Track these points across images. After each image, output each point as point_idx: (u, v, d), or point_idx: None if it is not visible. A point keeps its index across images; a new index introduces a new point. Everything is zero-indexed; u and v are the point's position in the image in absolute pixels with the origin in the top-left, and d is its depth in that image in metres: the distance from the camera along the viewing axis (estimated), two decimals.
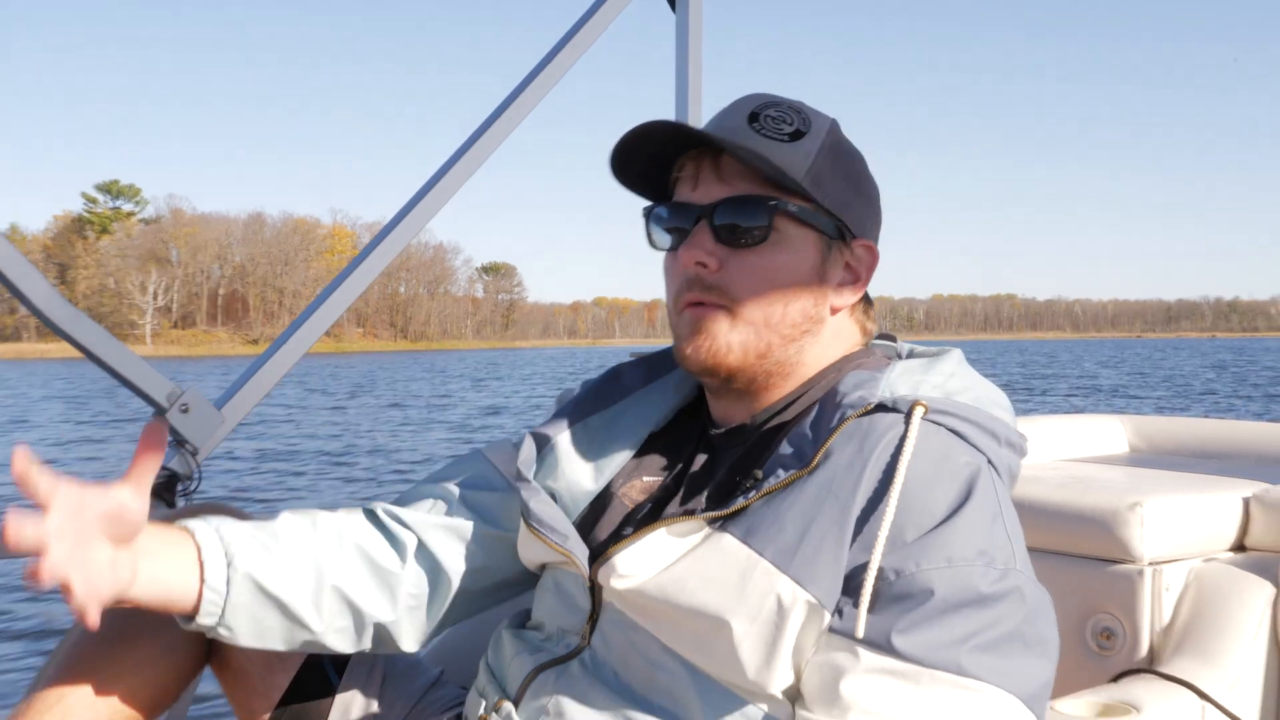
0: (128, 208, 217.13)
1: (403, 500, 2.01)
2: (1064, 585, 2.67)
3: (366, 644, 1.91)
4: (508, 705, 1.76)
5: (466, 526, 1.95)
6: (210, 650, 2.01)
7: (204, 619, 1.74)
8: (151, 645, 1.91)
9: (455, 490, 1.98)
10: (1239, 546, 2.84)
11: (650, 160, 1.76)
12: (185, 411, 2.46)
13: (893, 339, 1.89)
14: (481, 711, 1.80)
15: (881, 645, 1.49)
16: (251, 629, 1.80)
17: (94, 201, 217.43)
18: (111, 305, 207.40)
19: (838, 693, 1.49)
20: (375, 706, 2.08)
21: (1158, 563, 2.69)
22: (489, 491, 1.98)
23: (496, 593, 2.03)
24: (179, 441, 2.50)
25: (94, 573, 1.53)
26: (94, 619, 1.52)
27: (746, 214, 1.67)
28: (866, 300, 1.85)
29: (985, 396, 1.71)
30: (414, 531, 1.94)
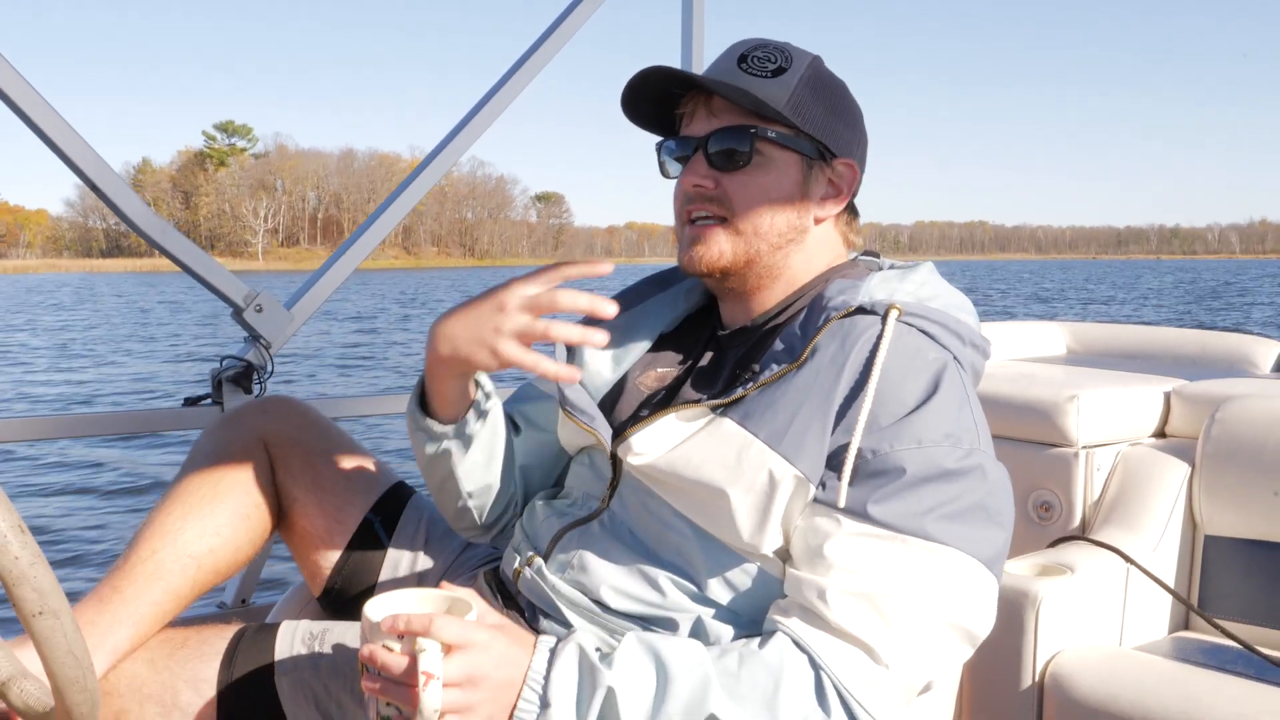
0: (241, 144, 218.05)
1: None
2: (1009, 465, 2.58)
3: (470, 521, 1.91)
4: (538, 560, 1.73)
5: (526, 433, 1.94)
6: (279, 518, 1.98)
7: (477, 410, 1.77)
8: (227, 513, 1.88)
9: (520, 414, 1.96)
10: (1160, 433, 2.82)
11: (657, 102, 1.73)
12: (260, 311, 2.42)
13: (875, 255, 1.84)
14: (516, 565, 1.77)
15: (859, 513, 1.47)
16: (485, 448, 1.82)
17: (213, 139, 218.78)
18: (229, 227, 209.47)
19: (821, 553, 1.46)
20: (419, 562, 2.03)
21: (1090, 446, 2.67)
22: (542, 401, 1.95)
23: (543, 488, 1.99)
24: (254, 337, 2.47)
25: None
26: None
27: (733, 141, 1.64)
28: (852, 212, 1.79)
29: (953, 303, 1.66)
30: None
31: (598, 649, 1.46)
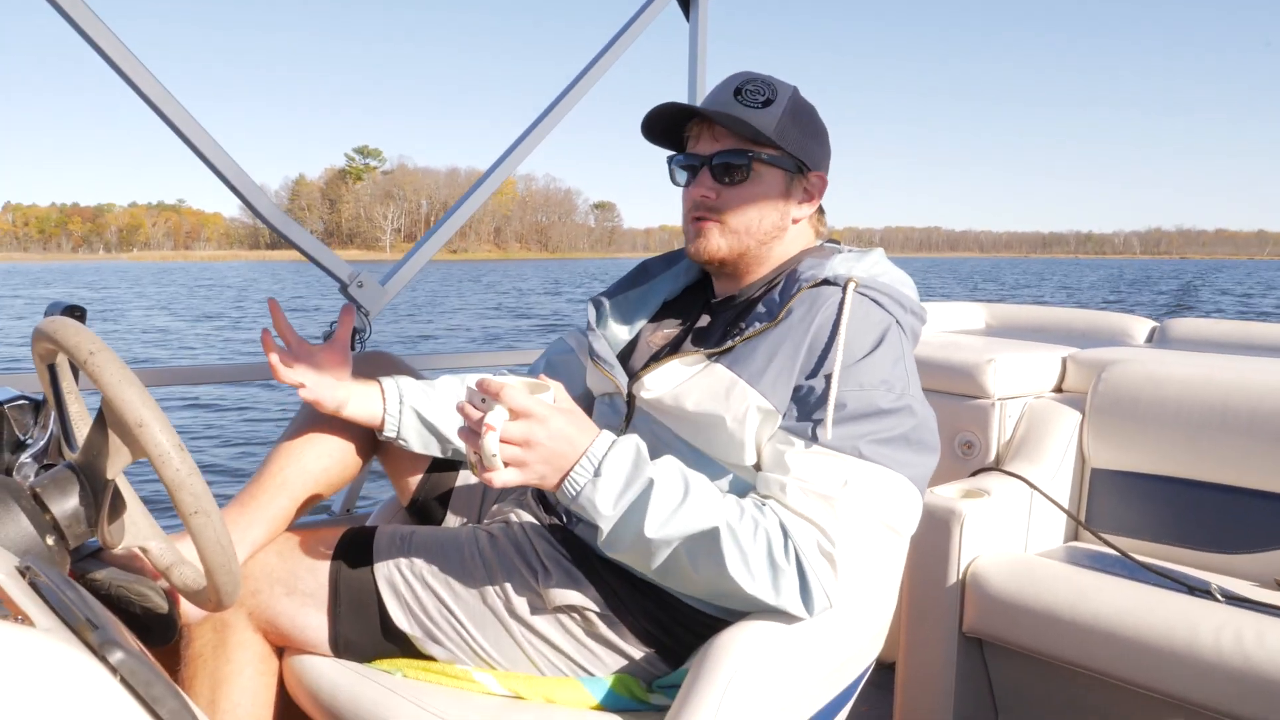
0: (373, 164, 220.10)
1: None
2: (941, 412, 2.64)
3: None
4: None
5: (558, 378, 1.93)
6: (377, 444, 1.96)
7: (388, 431, 1.83)
8: (338, 439, 1.87)
9: (545, 361, 2.02)
10: (1058, 389, 2.80)
11: (668, 127, 1.73)
12: (361, 287, 2.41)
13: (837, 243, 1.83)
14: None
15: (811, 436, 1.48)
16: (418, 441, 1.86)
17: (352, 159, 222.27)
18: (364, 228, 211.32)
19: (783, 462, 1.48)
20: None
21: (1003, 398, 2.66)
22: (565, 354, 2.00)
23: None
24: (357, 306, 2.43)
25: (315, 383, 1.74)
26: (316, 408, 1.76)
27: (733, 162, 1.64)
28: (820, 211, 1.80)
29: (898, 279, 1.67)
30: None
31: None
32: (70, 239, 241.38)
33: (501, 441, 1.34)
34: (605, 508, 1.39)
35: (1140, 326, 3.20)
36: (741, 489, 1.58)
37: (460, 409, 1.38)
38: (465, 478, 2.01)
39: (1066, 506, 2.55)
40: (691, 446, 1.60)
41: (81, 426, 1.36)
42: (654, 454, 1.58)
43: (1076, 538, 2.62)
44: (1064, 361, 2.78)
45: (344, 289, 2.39)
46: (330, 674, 1.61)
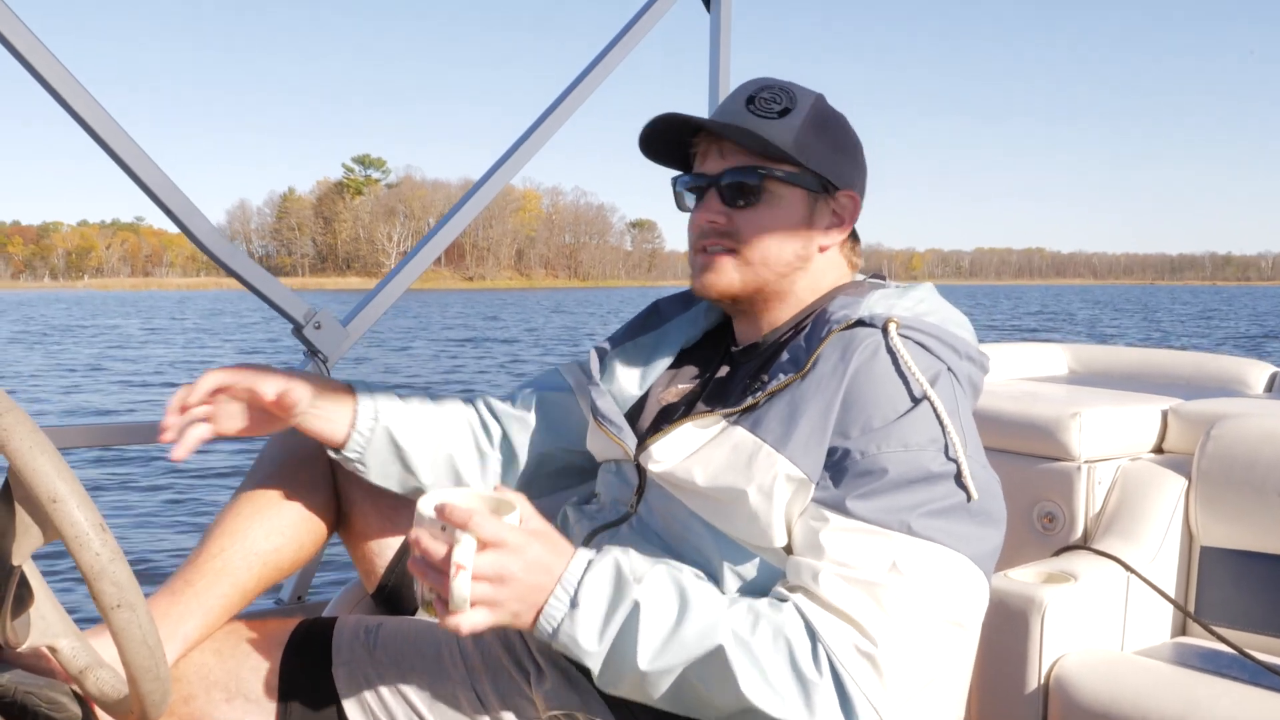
0: (376, 175, 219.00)
1: (502, 398, 1.95)
2: (1016, 478, 2.58)
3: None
4: None
5: (539, 422, 1.92)
6: (338, 520, 1.94)
7: (349, 451, 1.78)
8: (291, 515, 1.83)
9: (535, 395, 1.93)
10: (1158, 449, 2.69)
11: (672, 142, 1.69)
12: (318, 328, 2.34)
13: (881, 277, 1.77)
14: None
15: (849, 510, 1.42)
16: (379, 469, 1.82)
17: (351, 170, 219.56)
18: (364, 250, 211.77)
19: (816, 543, 1.43)
20: None
21: (1092, 461, 2.56)
22: (558, 392, 1.93)
23: (555, 479, 1.95)
24: (312, 352, 2.38)
25: (253, 377, 1.71)
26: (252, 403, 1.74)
27: (743, 180, 1.59)
28: (854, 238, 1.74)
29: (949, 318, 1.59)
30: (502, 423, 1.91)
31: (631, 568, 1.42)
32: (9, 264, 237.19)
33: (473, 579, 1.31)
34: (589, 643, 1.36)
35: (1258, 372, 3.10)
36: (771, 579, 1.51)
37: (415, 542, 1.33)
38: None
39: (1171, 594, 2.45)
40: (711, 527, 1.54)
41: None
42: (672, 537, 1.60)
43: (1184, 632, 2.52)
44: (1164, 415, 2.68)
45: (297, 331, 2.31)
46: None
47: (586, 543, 1.68)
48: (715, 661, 1.35)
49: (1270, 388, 3.07)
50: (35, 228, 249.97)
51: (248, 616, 1.82)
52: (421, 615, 1.60)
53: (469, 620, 1.31)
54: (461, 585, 1.29)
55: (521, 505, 1.38)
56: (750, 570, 1.53)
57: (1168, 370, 3.28)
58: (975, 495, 1.44)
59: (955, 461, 1.44)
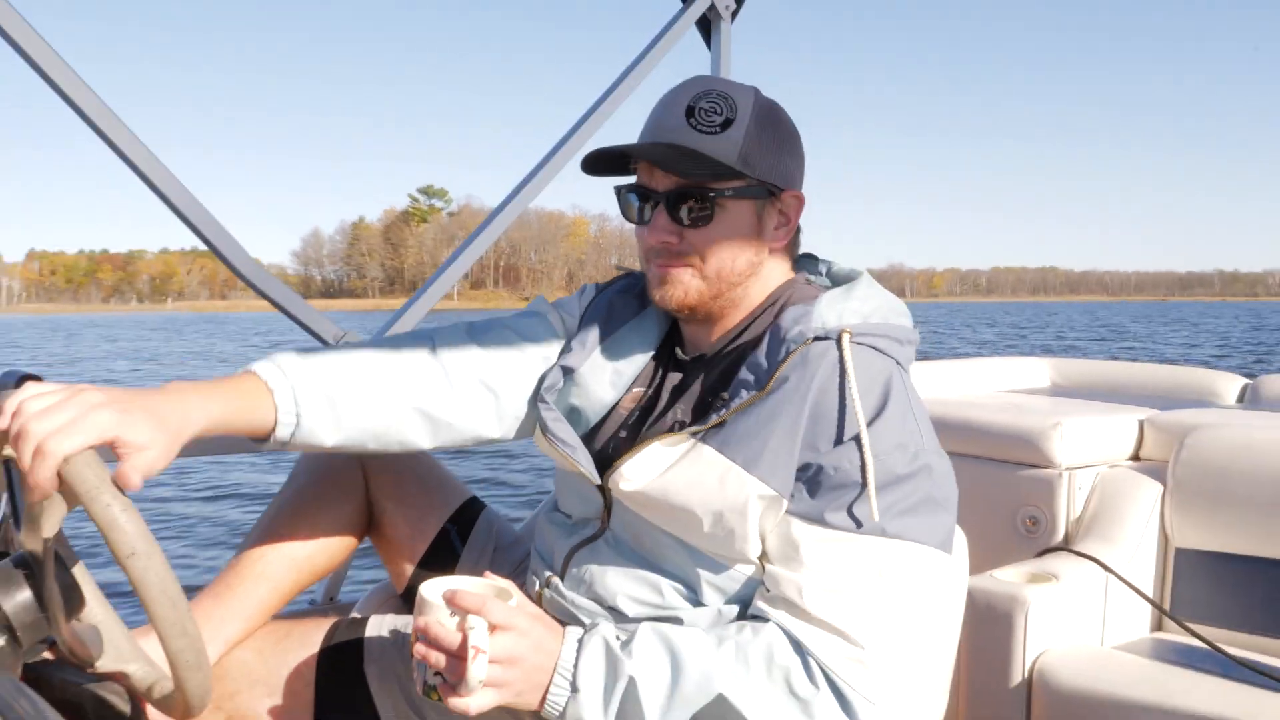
0: (438, 204, 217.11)
1: (470, 329, 1.67)
2: (1000, 484, 2.54)
3: (442, 439, 1.59)
4: (555, 579, 1.60)
5: (507, 361, 1.62)
6: (369, 526, 1.87)
7: (280, 432, 1.42)
8: (326, 521, 1.76)
9: (508, 331, 1.66)
10: (1135, 457, 2.63)
11: (613, 156, 1.50)
12: None
13: (814, 257, 1.65)
14: (537, 587, 1.64)
15: (825, 521, 1.36)
16: (331, 430, 1.47)
17: (416, 200, 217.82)
18: (430, 273, 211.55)
19: (796, 556, 1.36)
20: (485, 568, 1.84)
21: (1072, 468, 2.50)
22: (540, 329, 1.67)
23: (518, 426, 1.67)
24: None
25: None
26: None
27: (693, 202, 1.45)
28: (795, 231, 1.60)
29: (890, 309, 1.50)
30: (469, 362, 1.60)
31: (618, 636, 1.36)
32: (100, 288, 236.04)
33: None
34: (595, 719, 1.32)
35: (1230, 384, 3.03)
36: (749, 587, 1.45)
37: (423, 629, 1.27)
38: (466, 567, 1.89)
39: (1147, 593, 2.39)
40: (684, 547, 1.46)
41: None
42: (646, 552, 1.51)
43: (1160, 628, 2.45)
44: (1141, 425, 2.61)
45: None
46: None
47: (567, 561, 1.59)
48: (720, 707, 1.31)
49: (1242, 399, 3.01)
50: (122, 255, 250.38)
51: (285, 617, 1.79)
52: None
53: (478, 701, 1.26)
54: (479, 669, 1.25)
55: (515, 592, 1.34)
56: (725, 581, 1.45)
57: (1144, 382, 3.22)
58: (934, 484, 1.39)
59: (918, 458, 1.38)
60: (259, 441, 1.45)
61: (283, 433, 1.42)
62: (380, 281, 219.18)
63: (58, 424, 1.13)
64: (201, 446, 2.10)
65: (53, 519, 1.14)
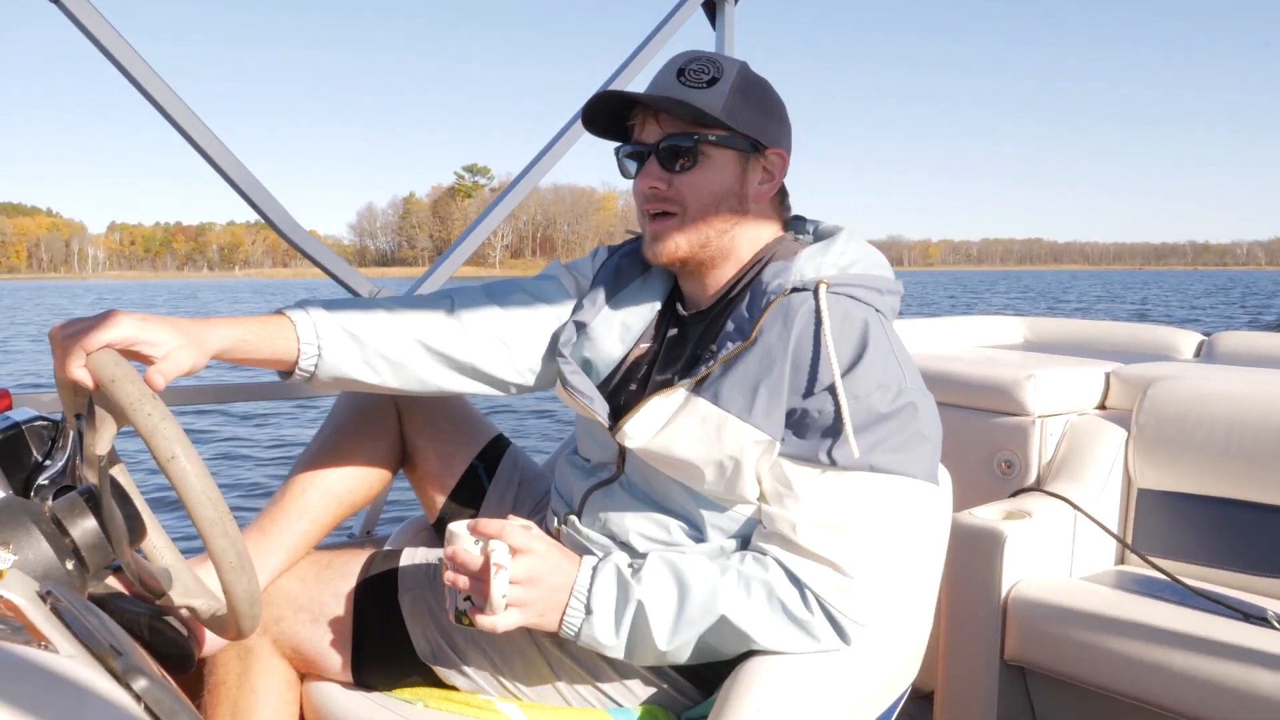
0: (482, 181, 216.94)
1: (486, 289, 1.67)
2: (979, 430, 2.53)
3: (459, 383, 1.60)
4: (573, 518, 1.60)
5: (519, 317, 1.63)
6: (403, 461, 1.87)
7: (304, 364, 1.46)
8: (362, 457, 1.76)
9: (520, 291, 1.66)
10: (1101, 406, 2.63)
11: (612, 117, 1.54)
12: None
13: (802, 219, 1.64)
14: (555, 524, 1.64)
15: (816, 460, 1.36)
16: (350, 363, 1.49)
17: (462, 177, 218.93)
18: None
19: (789, 494, 1.37)
20: (511, 501, 1.91)
21: (1044, 416, 2.50)
22: (553, 290, 1.68)
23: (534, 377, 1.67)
24: None
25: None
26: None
27: (679, 147, 1.46)
28: (783, 192, 1.59)
29: (869, 261, 1.49)
30: (485, 315, 1.61)
31: (630, 564, 1.38)
32: (175, 257, 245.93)
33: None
34: (608, 639, 1.35)
35: (1187, 340, 3.02)
36: (749, 525, 1.47)
37: (452, 557, 1.31)
38: (492, 499, 1.90)
39: (1112, 529, 2.39)
40: (690, 491, 1.47)
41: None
42: (657, 496, 1.51)
43: (1123, 561, 2.45)
44: (1107, 377, 2.61)
45: None
46: (350, 704, 1.54)
47: (584, 501, 1.60)
48: (723, 627, 1.35)
49: (1199, 353, 3.00)
50: (194, 227, 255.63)
51: (325, 548, 1.80)
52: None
53: (504, 620, 1.29)
54: (501, 584, 1.27)
55: (534, 527, 1.36)
56: (726, 521, 1.47)
57: (1111, 339, 3.19)
58: (919, 420, 1.38)
59: (900, 396, 1.37)
60: (286, 376, 1.48)
61: (306, 363, 1.45)
62: (429, 251, 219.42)
63: (84, 328, 1.21)
64: (241, 392, 2.13)
65: (105, 437, 1.18)
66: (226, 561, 1.13)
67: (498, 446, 1.92)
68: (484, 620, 1.28)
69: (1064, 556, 2.32)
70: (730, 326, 1.44)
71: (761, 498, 1.43)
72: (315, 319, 1.46)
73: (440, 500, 1.89)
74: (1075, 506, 2.31)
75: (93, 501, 1.14)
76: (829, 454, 1.35)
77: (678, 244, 1.49)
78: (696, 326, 1.54)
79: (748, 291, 1.47)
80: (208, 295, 74.23)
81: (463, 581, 1.30)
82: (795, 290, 1.42)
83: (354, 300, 1.56)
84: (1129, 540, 2.42)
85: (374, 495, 1.81)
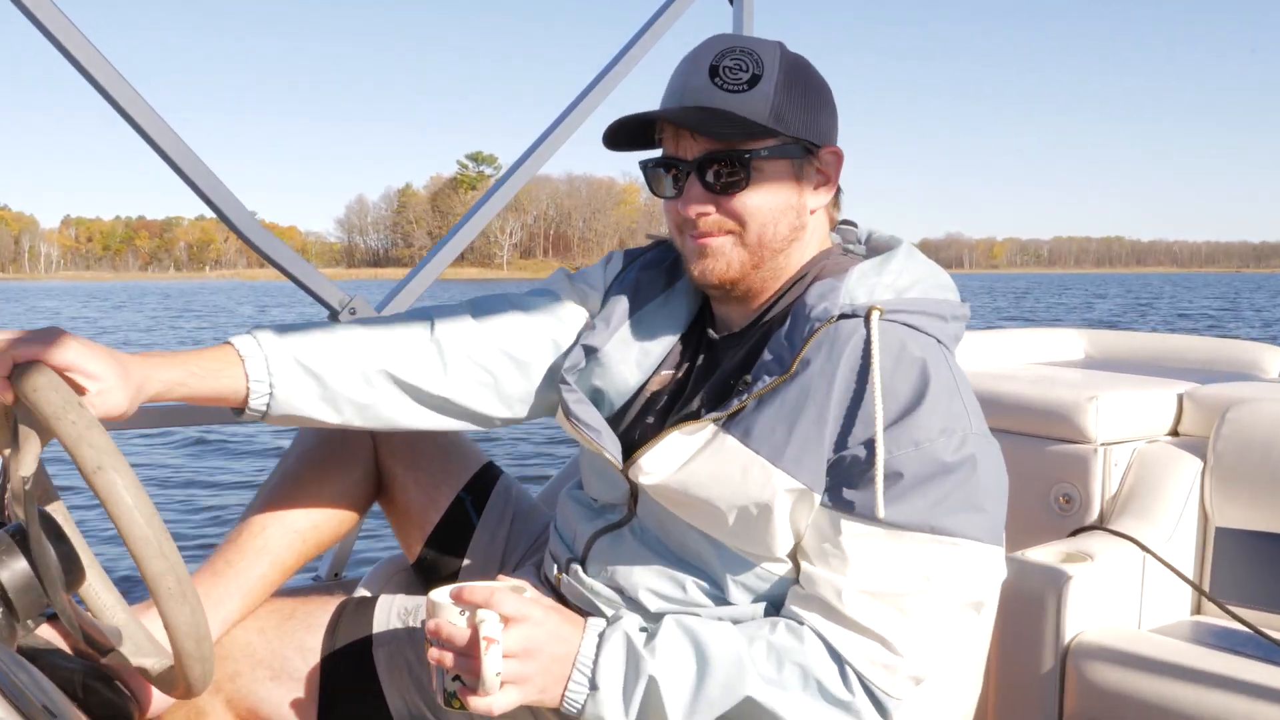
0: (488, 171, 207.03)
1: (473, 307, 1.51)
2: (1033, 460, 2.35)
3: (433, 419, 1.46)
4: (575, 565, 1.45)
5: (508, 340, 1.47)
6: (379, 492, 1.72)
7: (255, 402, 1.33)
8: (331, 490, 1.62)
9: (513, 309, 1.50)
10: (1173, 432, 2.44)
11: (635, 124, 1.34)
12: (353, 314, 2.08)
13: (853, 224, 1.47)
14: (555, 571, 1.49)
15: (868, 516, 1.21)
16: (307, 401, 1.36)
17: (465, 167, 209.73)
18: (479, 241, 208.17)
19: (835, 553, 1.23)
20: (504, 539, 1.77)
21: (1108, 443, 2.31)
22: (556, 301, 1.51)
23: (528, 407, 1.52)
24: None
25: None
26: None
27: (726, 167, 1.28)
28: (836, 191, 1.41)
29: (930, 282, 1.33)
30: (467, 340, 1.45)
31: (642, 629, 1.25)
32: (138, 256, 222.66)
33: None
34: (615, 719, 1.22)
35: (1271, 356, 2.81)
36: (779, 587, 1.32)
37: (435, 631, 1.17)
38: (482, 537, 1.75)
39: (1187, 574, 2.21)
40: (710, 541, 1.32)
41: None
42: (674, 543, 1.37)
43: (1199, 610, 2.28)
44: (1180, 399, 2.42)
45: (333, 317, 2.07)
46: None
47: (589, 546, 1.44)
48: (749, 710, 1.21)
49: None
50: (158, 222, 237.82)
51: (287, 594, 1.65)
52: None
53: (500, 700, 1.16)
54: (493, 660, 1.15)
55: (528, 589, 1.25)
56: (752, 579, 1.32)
57: (1183, 355, 2.99)
58: (987, 470, 1.24)
59: (965, 445, 1.22)
60: (237, 413, 1.36)
61: (256, 402, 1.34)
62: (427, 250, 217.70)
63: (23, 338, 1.14)
64: (189, 415, 1.99)
65: (29, 456, 1.10)
66: (164, 588, 1.02)
67: (487, 476, 1.78)
68: (477, 702, 1.16)
69: (1131, 605, 2.15)
70: (768, 355, 1.29)
71: (800, 554, 1.29)
72: (267, 351, 1.34)
73: (421, 539, 1.76)
74: (1144, 548, 2.13)
75: (23, 541, 1.07)
76: (884, 510, 1.21)
77: (730, 264, 1.32)
78: (730, 352, 1.39)
79: (789, 314, 1.30)
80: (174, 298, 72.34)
81: (449, 659, 1.17)
82: (844, 316, 1.26)
83: (313, 324, 1.42)
84: (1206, 587, 2.26)
85: (344, 533, 1.68)
